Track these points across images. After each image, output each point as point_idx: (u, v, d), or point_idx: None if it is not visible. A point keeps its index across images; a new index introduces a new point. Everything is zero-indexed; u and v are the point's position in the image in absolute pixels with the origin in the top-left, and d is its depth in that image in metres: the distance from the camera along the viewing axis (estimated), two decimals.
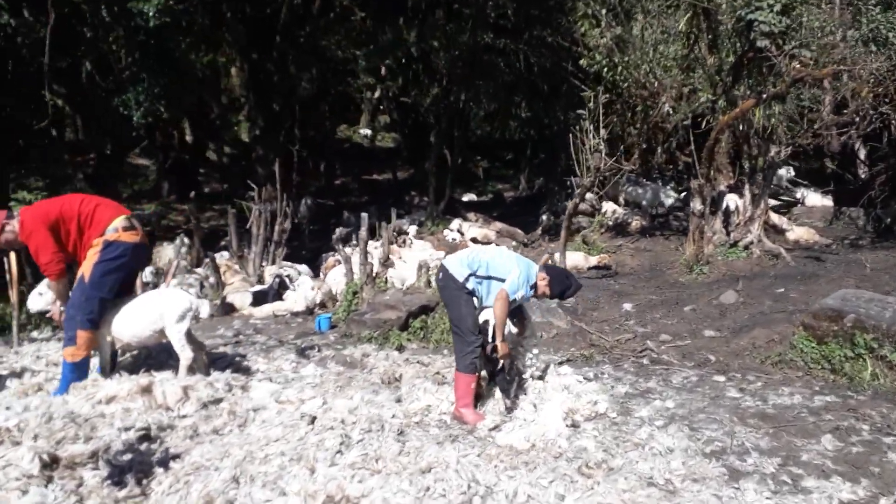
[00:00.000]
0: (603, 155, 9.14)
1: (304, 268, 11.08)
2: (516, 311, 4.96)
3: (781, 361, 6.23)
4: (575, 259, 11.20)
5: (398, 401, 4.88)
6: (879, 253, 10.70)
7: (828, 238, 12.73)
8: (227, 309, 8.64)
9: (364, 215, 8.24)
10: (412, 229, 14.09)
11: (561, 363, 6.43)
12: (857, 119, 12.99)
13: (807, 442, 4.43)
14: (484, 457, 3.85)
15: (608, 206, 14.31)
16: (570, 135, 9.33)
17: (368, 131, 33.21)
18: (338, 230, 15.86)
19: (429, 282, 8.09)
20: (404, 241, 12.45)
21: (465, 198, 23.58)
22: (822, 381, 5.80)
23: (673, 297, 8.63)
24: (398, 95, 23.10)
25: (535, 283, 4.77)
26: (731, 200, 11.15)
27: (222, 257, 10.70)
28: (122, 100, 10.13)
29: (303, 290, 8.87)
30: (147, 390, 4.35)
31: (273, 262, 10.18)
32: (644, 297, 8.68)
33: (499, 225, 14.90)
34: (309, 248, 14.39)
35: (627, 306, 8.27)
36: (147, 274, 10.41)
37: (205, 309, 8.72)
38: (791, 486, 3.85)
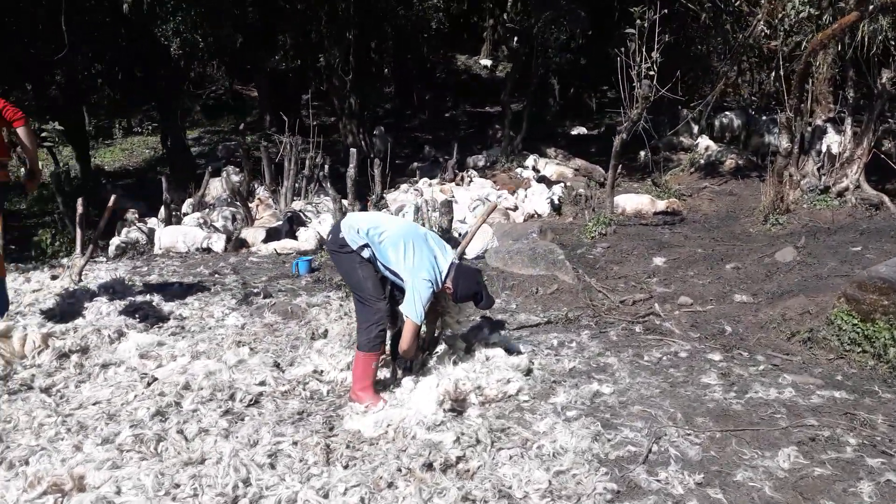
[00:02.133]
0: (653, 83, 7.77)
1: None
2: None
3: (812, 340, 4.98)
4: (639, 203, 9.93)
5: (290, 364, 4.32)
6: None
7: None
8: (239, 244, 8.43)
9: (353, 151, 7.60)
10: (471, 165, 13.21)
11: (536, 325, 5.57)
12: None
13: (757, 455, 3.37)
14: (300, 446, 3.20)
15: (702, 142, 12.62)
16: (618, 59, 8.02)
17: (489, 61, 31.91)
18: (416, 164, 15.39)
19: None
20: (462, 179, 11.65)
21: (575, 131, 22.11)
22: (857, 367, 4.55)
23: (722, 251, 7.31)
24: (514, 22, 21.71)
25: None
26: (835, 141, 9.27)
27: (263, 191, 10.52)
28: (162, 30, 10.03)
29: (321, 227, 8.45)
30: (4, 335, 4.09)
31: (306, 196, 9.83)
32: (689, 251, 7.42)
33: (578, 162, 13.65)
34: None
35: (659, 261, 7.09)
36: (186, 205, 10.48)
37: (217, 244, 8.66)
38: None
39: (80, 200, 6.31)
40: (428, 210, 7.29)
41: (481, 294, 3.84)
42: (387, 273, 3.86)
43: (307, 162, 9.87)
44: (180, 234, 8.86)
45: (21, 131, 4.79)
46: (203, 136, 22.05)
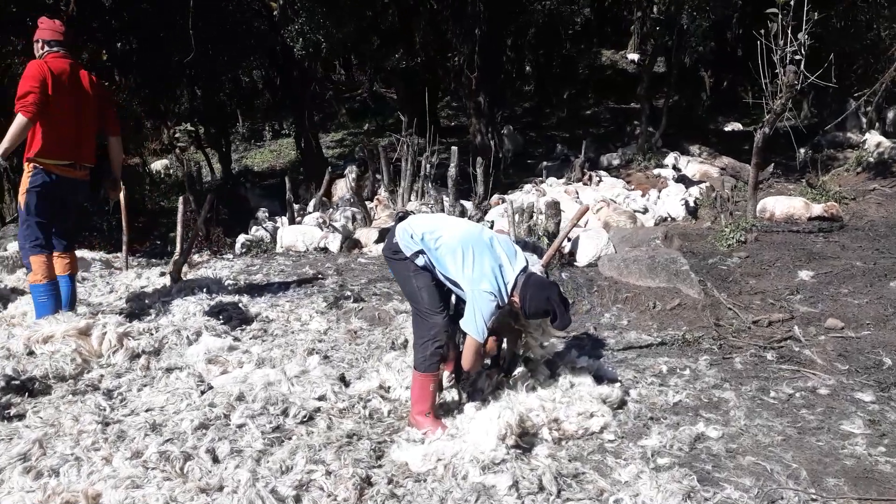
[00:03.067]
0: (800, 68, 6.72)
1: (467, 204, 10.31)
2: None
3: None
4: (791, 206, 8.72)
5: (358, 377, 4.01)
6: None
7: None
8: (353, 245, 8.33)
9: (454, 150, 7.18)
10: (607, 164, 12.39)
11: (647, 346, 4.90)
12: None
13: None
14: (335, 478, 2.84)
15: (872, 138, 11.02)
16: (758, 42, 7.03)
17: (636, 56, 30.47)
18: (544, 164, 14.78)
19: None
20: (590, 178, 10.94)
21: (728, 127, 20.45)
22: None
23: (887, 265, 6.15)
24: (661, 13, 20.47)
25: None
26: None
27: (383, 191, 10.43)
28: (287, 31, 10.18)
29: None
30: (84, 333, 4.10)
31: (422, 197, 9.58)
32: (844, 263, 6.33)
33: (725, 160, 12.42)
34: (504, 183, 13.47)
35: (806, 274, 6.09)
36: (311, 205, 10.60)
37: (333, 244, 8.63)
38: None
39: (181, 199, 6.44)
40: (512, 212, 6.70)
41: (554, 311, 3.28)
42: (448, 283, 3.43)
43: (422, 162, 9.66)
44: (300, 234, 8.93)
45: (117, 140, 4.95)
46: (346, 139, 22.69)
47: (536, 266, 3.54)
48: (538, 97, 25.67)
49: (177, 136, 11.56)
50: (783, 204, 8.79)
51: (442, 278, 3.42)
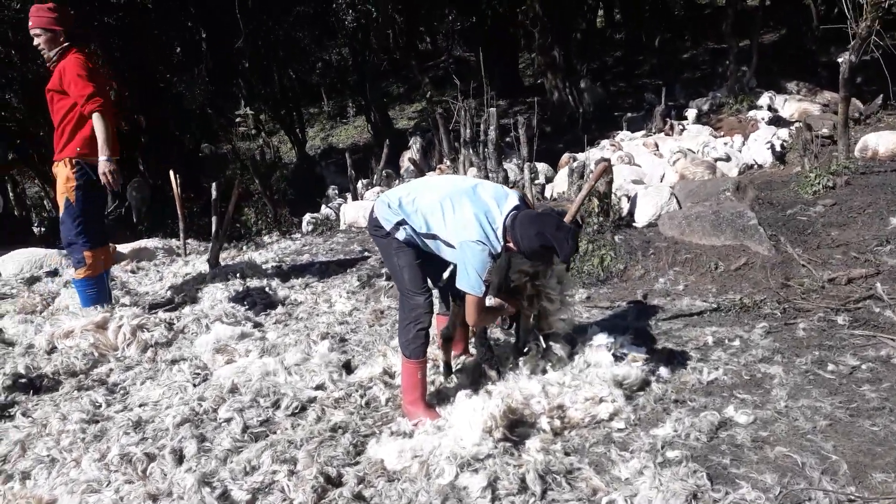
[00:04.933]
0: None
1: (542, 167, 9.83)
2: None
3: None
4: (891, 141, 7.70)
5: (365, 362, 3.81)
6: None
7: None
8: None
9: (492, 111, 6.67)
10: (691, 112, 11.42)
11: (699, 314, 4.38)
12: None
13: None
14: (296, 479, 2.65)
15: None
16: None
17: None
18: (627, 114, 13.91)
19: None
20: (671, 128, 10.13)
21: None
22: None
23: None
24: None
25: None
26: None
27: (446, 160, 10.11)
28: (337, 3, 10.01)
29: None
30: (101, 327, 4.12)
31: (472, 165, 9.14)
32: None
33: (827, 95, 11.15)
34: (584, 138, 12.78)
35: None
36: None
37: None
38: None
39: (213, 185, 6.41)
40: (568, 172, 6.15)
41: (551, 243, 2.87)
42: (441, 245, 3.07)
43: (481, 126, 9.22)
44: (361, 209, 8.83)
45: (96, 117, 4.46)
46: (426, 109, 22.51)
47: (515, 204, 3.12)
48: (629, 45, 24.32)
49: (238, 120, 11.80)
50: (887, 139, 7.78)
51: (431, 244, 3.10)
